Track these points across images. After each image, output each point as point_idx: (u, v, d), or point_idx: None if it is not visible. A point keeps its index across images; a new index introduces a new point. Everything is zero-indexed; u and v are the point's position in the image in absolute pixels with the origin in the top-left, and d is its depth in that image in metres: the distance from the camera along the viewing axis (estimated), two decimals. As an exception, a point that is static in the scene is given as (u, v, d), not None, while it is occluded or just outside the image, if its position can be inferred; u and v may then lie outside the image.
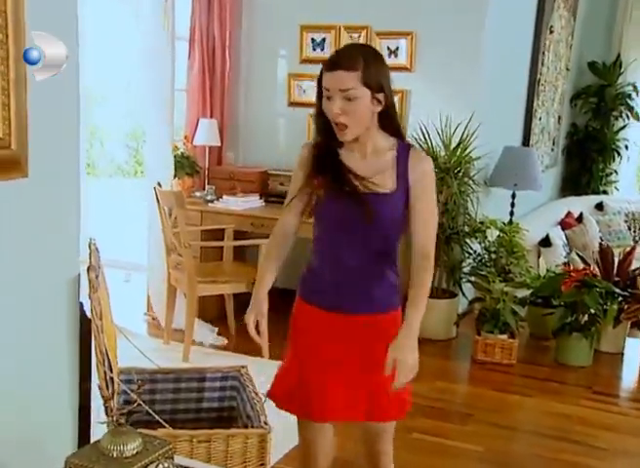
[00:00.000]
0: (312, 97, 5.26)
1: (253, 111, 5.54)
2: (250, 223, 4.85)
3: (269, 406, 2.43)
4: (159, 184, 4.56)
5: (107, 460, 1.63)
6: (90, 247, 2.25)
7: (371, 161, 2.15)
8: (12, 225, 1.89)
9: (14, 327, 1.95)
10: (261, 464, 2.33)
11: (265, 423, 2.30)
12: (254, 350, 4.44)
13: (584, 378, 4.45)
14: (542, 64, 6.10)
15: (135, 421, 2.27)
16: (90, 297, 2.17)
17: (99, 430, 2.36)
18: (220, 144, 5.32)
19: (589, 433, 3.77)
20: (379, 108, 2.09)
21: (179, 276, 4.47)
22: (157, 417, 2.20)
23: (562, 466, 3.44)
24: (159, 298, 4.95)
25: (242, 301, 4.80)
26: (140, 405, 2.26)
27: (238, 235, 4.95)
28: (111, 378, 2.21)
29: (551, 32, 6.19)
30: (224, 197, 5.01)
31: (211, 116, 5.26)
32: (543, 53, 6.07)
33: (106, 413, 2.17)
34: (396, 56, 5.08)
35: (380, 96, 2.07)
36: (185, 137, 5.20)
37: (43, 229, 1.98)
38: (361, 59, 2.05)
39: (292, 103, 5.38)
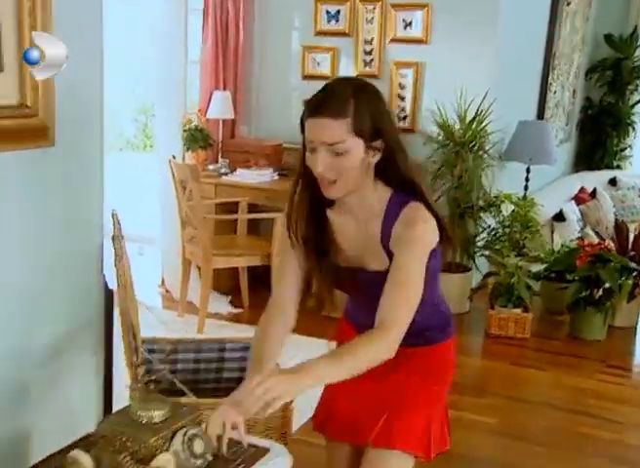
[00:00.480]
0: (327, 70, 5.31)
1: (266, 84, 5.51)
2: (264, 197, 4.85)
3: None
4: (173, 157, 4.55)
5: (137, 426, 1.65)
6: (113, 217, 2.27)
7: (362, 229, 1.80)
8: (38, 193, 1.89)
9: (41, 295, 1.97)
10: (283, 433, 2.35)
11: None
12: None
13: (598, 352, 4.46)
14: (559, 37, 6.04)
15: (158, 390, 2.30)
16: (116, 266, 2.19)
17: (120, 400, 2.40)
18: (233, 117, 5.30)
19: (604, 406, 3.79)
20: (376, 158, 1.71)
21: (193, 249, 4.48)
22: (181, 386, 2.22)
23: (577, 439, 3.45)
24: (172, 271, 4.97)
25: (255, 274, 4.85)
26: (165, 372, 2.29)
27: (251, 208, 4.95)
28: (136, 347, 2.23)
29: (568, 4, 6.11)
30: (238, 170, 5.00)
31: (224, 89, 5.24)
32: (560, 25, 6.00)
33: (133, 381, 2.20)
34: (411, 28, 5.03)
35: (378, 143, 1.69)
36: (199, 110, 5.17)
37: (68, 197, 1.99)
38: (351, 101, 1.64)
39: (306, 76, 5.34)
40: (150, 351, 2.51)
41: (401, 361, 1.80)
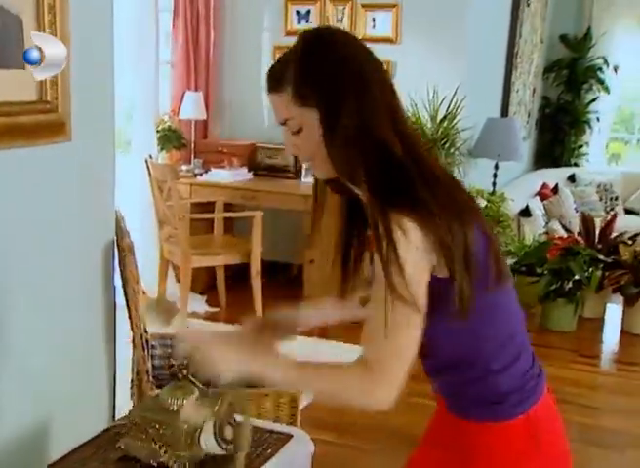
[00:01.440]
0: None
1: (238, 84, 5.53)
2: (240, 196, 4.88)
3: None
4: (150, 157, 4.55)
5: (168, 413, 1.67)
6: (116, 214, 2.29)
7: None
8: (56, 188, 1.91)
9: (57, 289, 1.98)
10: (291, 423, 2.39)
11: (295, 384, 2.35)
12: (247, 321, 4.52)
13: (570, 342, 4.60)
14: (520, 37, 6.20)
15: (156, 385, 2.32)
16: (125, 262, 2.21)
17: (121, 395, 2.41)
18: (205, 118, 5.31)
19: (580, 393, 3.92)
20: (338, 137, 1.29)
21: (172, 248, 4.48)
22: (193, 380, 2.24)
23: (559, 425, 3.57)
24: (149, 271, 4.96)
25: (232, 273, 4.88)
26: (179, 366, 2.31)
27: (227, 207, 4.97)
28: (147, 341, 2.26)
29: (528, 5, 6.28)
30: (213, 170, 5.02)
31: (196, 89, 5.25)
32: (521, 25, 6.16)
33: (144, 374, 2.22)
34: (381, 27, 5.12)
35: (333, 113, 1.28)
36: (172, 111, 5.18)
37: (83, 192, 2.00)
38: (291, 65, 1.30)
39: (277, 76, 5.38)
40: (153, 347, 2.53)
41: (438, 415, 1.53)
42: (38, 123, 1.84)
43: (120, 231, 2.21)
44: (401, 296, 1.23)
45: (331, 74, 1.29)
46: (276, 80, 1.32)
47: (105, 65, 2.02)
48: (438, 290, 1.28)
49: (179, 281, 4.73)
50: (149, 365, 2.23)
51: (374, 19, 5.12)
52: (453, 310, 1.28)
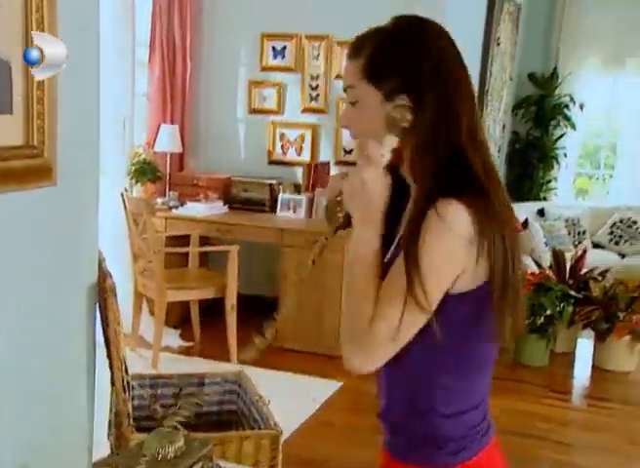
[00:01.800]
0: (274, 105, 5.38)
1: (214, 118, 5.56)
2: (215, 229, 4.88)
3: (274, 408, 2.50)
4: (126, 190, 4.54)
5: (153, 461, 1.66)
6: (99, 256, 2.28)
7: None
8: (40, 234, 1.89)
9: (39, 333, 1.96)
10: (272, 466, 2.39)
11: (276, 424, 2.35)
12: (221, 355, 4.51)
13: (542, 377, 4.66)
14: (491, 75, 6.33)
15: (142, 427, 2.30)
16: (107, 304, 2.20)
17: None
18: (181, 151, 5.32)
19: (552, 429, 3.97)
20: (407, 121, 1.27)
21: (146, 282, 4.46)
22: (178, 426, 2.23)
23: (532, 462, 3.60)
24: (121, 304, 4.91)
25: (205, 307, 4.86)
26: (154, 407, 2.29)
27: (201, 241, 4.97)
28: (128, 382, 2.24)
29: (498, 44, 6.42)
30: (189, 203, 5.02)
31: (172, 122, 5.26)
32: (492, 64, 6.30)
33: (125, 418, 2.20)
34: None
35: (402, 99, 1.27)
36: (147, 143, 5.18)
37: (67, 237, 1.99)
38: (369, 39, 1.32)
39: (252, 111, 5.43)
40: (133, 388, 2.51)
41: None
42: (26, 167, 1.83)
43: (102, 272, 2.20)
44: (416, 297, 1.20)
45: (417, 63, 1.28)
46: (355, 48, 1.33)
47: (91, 112, 2.03)
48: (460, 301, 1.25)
49: (152, 314, 4.70)
50: (130, 407, 2.21)
51: (349, 57, 5.18)
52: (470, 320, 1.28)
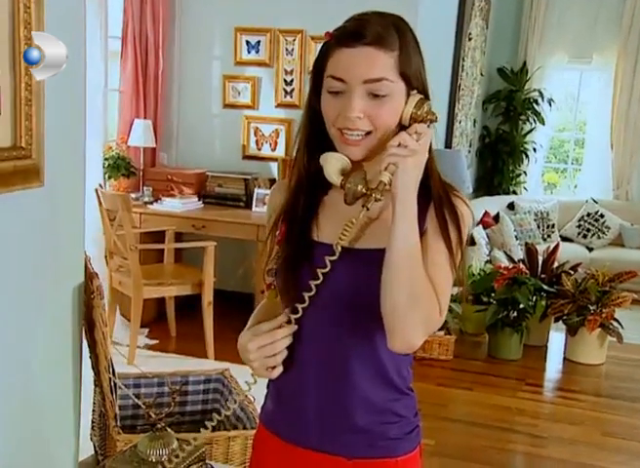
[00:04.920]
0: (248, 99, 5.38)
1: (187, 112, 5.52)
2: (191, 225, 4.85)
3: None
4: (100, 186, 4.49)
5: (147, 465, 1.65)
6: (85, 256, 2.26)
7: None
8: (28, 233, 1.88)
9: (25, 332, 1.94)
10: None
11: (263, 424, 2.35)
12: (197, 352, 4.49)
13: (516, 371, 4.72)
14: (462, 70, 6.37)
15: (125, 426, 2.29)
16: (93, 304, 2.18)
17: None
18: (154, 146, 5.27)
19: (528, 422, 4.02)
20: (432, 116, 1.30)
21: (122, 279, 4.42)
22: (169, 430, 2.22)
23: (511, 456, 3.66)
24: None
25: (181, 303, 4.84)
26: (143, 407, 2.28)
27: (176, 237, 4.94)
28: (115, 383, 2.23)
29: (470, 39, 6.46)
30: (164, 199, 4.98)
31: (145, 117, 5.21)
32: (463, 58, 6.34)
33: (112, 419, 2.19)
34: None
35: (417, 96, 1.29)
36: (121, 138, 5.12)
37: (54, 236, 1.97)
38: (396, 35, 1.26)
39: (227, 105, 5.40)
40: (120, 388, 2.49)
41: None
42: (15, 169, 1.81)
43: (88, 273, 2.19)
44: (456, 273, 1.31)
45: (422, 62, 1.32)
46: (381, 36, 1.24)
47: (78, 113, 2.01)
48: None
49: (122, 312, 4.68)
50: (117, 409, 2.20)
51: (323, 52, 5.17)
52: None
